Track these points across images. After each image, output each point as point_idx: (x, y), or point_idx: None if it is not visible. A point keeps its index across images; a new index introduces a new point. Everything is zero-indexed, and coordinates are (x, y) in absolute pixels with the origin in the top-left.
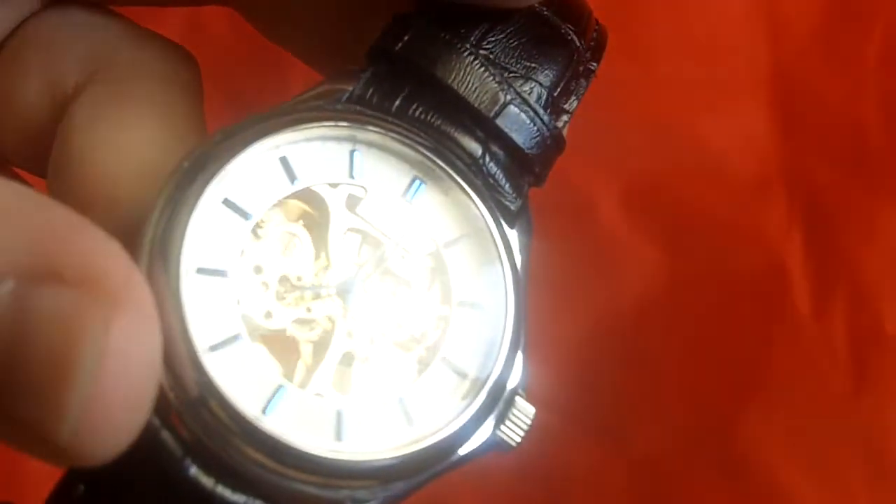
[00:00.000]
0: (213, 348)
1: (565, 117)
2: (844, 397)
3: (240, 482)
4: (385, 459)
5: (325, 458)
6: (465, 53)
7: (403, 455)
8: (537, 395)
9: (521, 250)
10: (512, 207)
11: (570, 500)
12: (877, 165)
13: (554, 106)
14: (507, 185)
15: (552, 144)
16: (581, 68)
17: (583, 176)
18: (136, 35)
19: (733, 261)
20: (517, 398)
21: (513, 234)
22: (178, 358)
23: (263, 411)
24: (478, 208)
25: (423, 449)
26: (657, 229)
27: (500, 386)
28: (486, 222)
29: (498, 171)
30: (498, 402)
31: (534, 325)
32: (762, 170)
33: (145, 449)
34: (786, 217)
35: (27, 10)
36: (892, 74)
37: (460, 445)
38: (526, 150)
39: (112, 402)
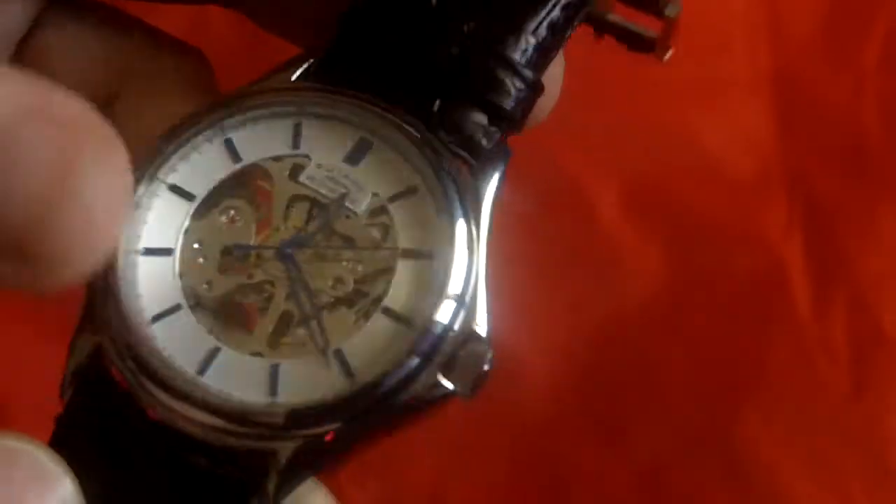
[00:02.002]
0: (155, 318)
1: (537, 58)
2: (844, 398)
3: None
4: (314, 405)
5: (252, 409)
6: (421, 10)
7: (335, 400)
8: (537, 392)
9: (489, 197)
10: (481, 150)
11: (570, 500)
12: (877, 166)
13: (523, 51)
14: (472, 133)
15: (522, 86)
16: (552, 4)
17: (583, 176)
18: (158, 41)
19: (733, 261)
20: (469, 344)
21: (474, 183)
22: (124, 330)
23: (200, 372)
24: (427, 159)
25: (356, 394)
26: (657, 229)
27: (444, 332)
28: (436, 172)
29: (463, 120)
30: (442, 348)
31: (534, 326)
32: (762, 170)
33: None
34: (786, 217)
35: (35, 9)
36: (893, 75)
37: (400, 391)
38: (491, 96)
39: (88, 223)
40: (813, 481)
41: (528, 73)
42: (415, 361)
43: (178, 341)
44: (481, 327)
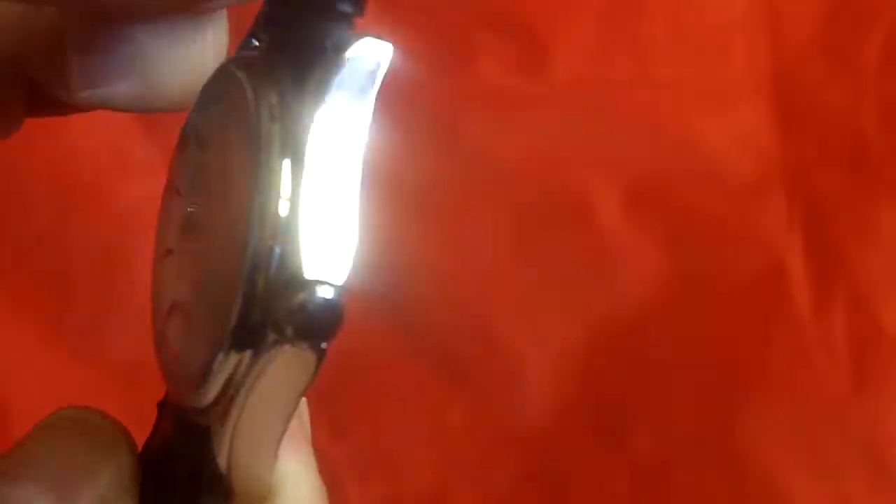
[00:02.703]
0: (168, 314)
1: None
2: (844, 397)
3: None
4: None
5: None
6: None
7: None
8: (537, 392)
9: (323, 113)
10: (310, 62)
11: (570, 499)
12: (877, 166)
13: None
14: (305, 48)
15: None
16: None
17: (582, 177)
18: None
19: (733, 261)
20: (284, 288)
21: (298, 107)
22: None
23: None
24: (246, 100)
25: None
26: (657, 230)
27: (261, 283)
28: (252, 112)
29: (298, 40)
30: (264, 301)
31: (534, 326)
32: (762, 170)
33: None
34: (786, 217)
35: None
36: (893, 75)
37: (250, 346)
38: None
39: None
40: (813, 480)
41: None
42: (247, 317)
43: (176, 332)
44: (307, 269)
